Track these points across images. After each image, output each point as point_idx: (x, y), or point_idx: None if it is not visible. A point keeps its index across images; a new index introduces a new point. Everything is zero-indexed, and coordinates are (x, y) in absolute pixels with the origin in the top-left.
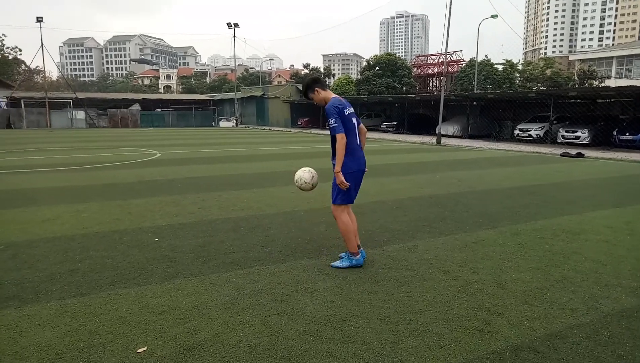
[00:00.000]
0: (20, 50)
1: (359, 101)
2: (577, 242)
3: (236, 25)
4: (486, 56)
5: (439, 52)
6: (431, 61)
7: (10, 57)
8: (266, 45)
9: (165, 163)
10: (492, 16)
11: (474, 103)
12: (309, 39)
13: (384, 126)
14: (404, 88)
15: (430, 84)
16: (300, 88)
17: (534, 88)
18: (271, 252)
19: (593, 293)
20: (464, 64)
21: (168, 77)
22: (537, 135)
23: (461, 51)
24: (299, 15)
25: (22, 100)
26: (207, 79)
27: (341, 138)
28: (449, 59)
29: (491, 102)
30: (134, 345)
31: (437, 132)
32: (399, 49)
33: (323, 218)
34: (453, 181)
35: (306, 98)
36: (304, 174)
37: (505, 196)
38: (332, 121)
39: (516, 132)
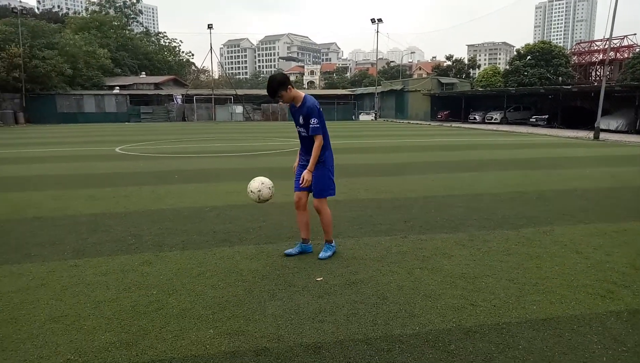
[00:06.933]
0: (193, 54)
1: (505, 93)
2: None
3: (380, 20)
4: None
5: (605, 36)
6: (595, 48)
7: (184, 60)
8: (408, 39)
9: None
10: None
11: None
12: (453, 30)
13: (534, 120)
14: (560, 79)
15: (593, 74)
16: (441, 81)
17: None
18: (413, 226)
19: None
20: (638, 50)
21: (312, 73)
22: None
23: (634, 34)
24: (443, 6)
25: (194, 97)
26: (348, 74)
27: (320, 141)
28: (619, 44)
29: None
30: (314, 275)
31: (595, 126)
32: (556, 35)
33: (461, 203)
34: (605, 176)
35: (273, 96)
36: (264, 189)
37: None
38: (315, 121)
39: None
